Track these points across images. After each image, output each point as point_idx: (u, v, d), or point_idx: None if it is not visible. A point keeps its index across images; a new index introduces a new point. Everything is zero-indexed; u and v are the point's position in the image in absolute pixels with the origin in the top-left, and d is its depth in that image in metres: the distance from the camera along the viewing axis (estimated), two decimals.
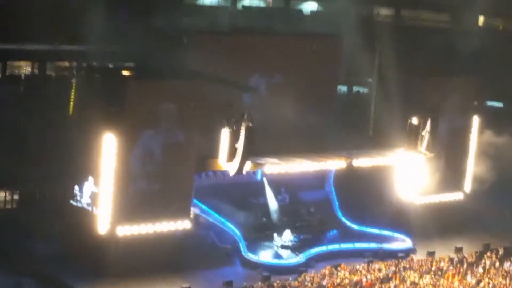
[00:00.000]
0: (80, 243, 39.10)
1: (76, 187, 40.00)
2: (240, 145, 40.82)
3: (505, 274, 42.38)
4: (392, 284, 40.09)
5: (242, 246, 42.80)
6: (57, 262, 39.09)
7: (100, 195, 39.03)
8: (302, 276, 40.34)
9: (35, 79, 44.72)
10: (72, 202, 40.11)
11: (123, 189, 39.16)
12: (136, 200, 39.50)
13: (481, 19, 62.20)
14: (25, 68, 45.44)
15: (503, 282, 41.23)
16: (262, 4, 54.83)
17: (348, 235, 45.90)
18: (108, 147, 38.80)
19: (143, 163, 39.59)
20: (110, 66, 45.00)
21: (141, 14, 43.68)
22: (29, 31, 42.03)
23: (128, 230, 39.34)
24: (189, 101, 40.00)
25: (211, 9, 49.78)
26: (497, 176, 48.73)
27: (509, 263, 43.73)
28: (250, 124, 41.34)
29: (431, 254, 44.68)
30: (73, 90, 40.64)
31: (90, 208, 39.55)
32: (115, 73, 42.23)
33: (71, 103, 40.83)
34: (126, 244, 39.04)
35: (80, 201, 39.87)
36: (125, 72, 42.13)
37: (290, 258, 42.90)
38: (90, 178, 39.46)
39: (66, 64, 46.17)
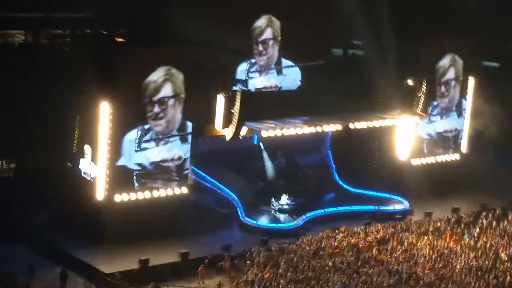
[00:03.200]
0: (77, 210, 39.21)
1: (74, 156, 40.08)
2: (235, 110, 40.79)
3: (502, 233, 42.63)
4: (389, 246, 40.32)
5: (240, 211, 42.96)
6: (54, 229, 39.25)
7: (97, 163, 39.04)
8: (300, 239, 40.51)
9: (29, 47, 44.46)
10: (69, 165, 40.16)
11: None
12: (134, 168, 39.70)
13: None
14: (18, 36, 45.19)
15: (501, 241, 41.48)
16: None
17: (345, 198, 46.03)
18: (104, 115, 38.72)
19: (139, 130, 39.58)
20: (104, 33, 44.77)
21: None
22: None
23: (126, 197, 39.46)
24: (183, 66, 39.85)
25: None
26: (493, 136, 48.80)
27: (506, 222, 43.99)
28: (245, 89, 41.25)
29: (428, 215, 44.87)
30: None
31: (87, 176, 39.60)
32: (108, 40, 41.98)
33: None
34: (124, 210, 39.14)
35: (77, 169, 39.90)
36: (119, 39, 41.90)
37: (287, 222, 43.07)
38: (87, 146, 39.46)
39: (60, 32, 45.94)
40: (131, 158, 39.49)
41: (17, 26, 44.64)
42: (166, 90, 39.65)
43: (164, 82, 39.53)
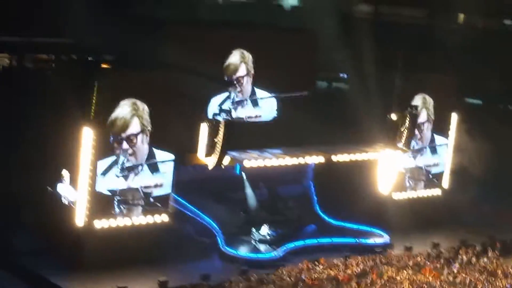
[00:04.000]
0: (56, 236, 38.91)
1: (55, 180, 39.90)
2: (219, 139, 40.80)
3: (481, 269, 42.65)
4: (369, 279, 40.24)
5: (220, 240, 42.81)
6: (32, 254, 38.86)
7: (78, 188, 38.88)
8: (280, 270, 40.38)
9: (13, 71, 44.47)
10: (49, 190, 39.88)
11: None
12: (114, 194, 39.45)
13: (461, 17, 62.56)
14: (2, 59, 45.18)
15: (480, 277, 41.48)
16: None
17: (326, 230, 45.94)
18: (86, 140, 38.61)
19: (121, 156, 39.45)
20: (89, 58, 44.88)
21: (121, 6, 43.59)
22: (6, 22, 41.87)
23: (106, 223, 39.26)
24: (169, 93, 39.87)
25: (190, 1, 49.75)
26: (475, 172, 49.06)
27: (485, 259, 44.03)
28: (229, 119, 41.32)
29: (408, 249, 44.89)
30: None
31: (66, 201, 39.40)
32: (94, 66, 42.05)
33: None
34: (104, 237, 38.92)
35: (57, 194, 39.73)
36: (104, 65, 41.98)
37: (267, 252, 42.95)
38: (67, 172, 39.31)
39: (45, 56, 46.00)
40: (111, 184, 39.29)
41: (1, 50, 44.65)
42: (134, 126, 39.23)
43: (132, 117, 39.13)
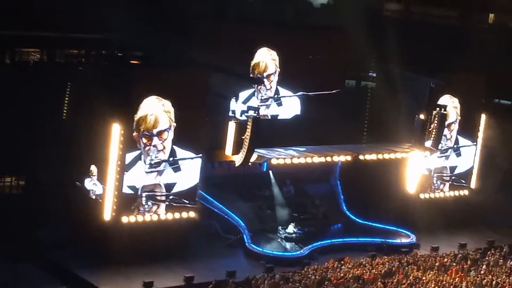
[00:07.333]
0: (84, 230, 39.18)
1: (82, 175, 40.14)
2: (246, 137, 40.83)
3: (508, 271, 42.36)
4: (395, 279, 40.13)
5: (246, 237, 42.85)
6: (60, 248, 39.16)
7: (105, 184, 39.09)
8: (305, 268, 40.36)
9: (43, 65, 44.80)
10: (77, 185, 40.13)
11: None
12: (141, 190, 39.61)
13: (491, 17, 62.15)
14: (34, 54, 45.54)
15: (507, 279, 41.19)
16: None
17: (352, 229, 45.86)
18: (114, 136, 38.79)
19: (149, 152, 39.64)
20: (119, 54, 45.09)
21: (151, 3, 43.78)
22: (38, 18, 42.15)
23: (133, 218, 39.46)
24: (196, 90, 39.96)
25: None
26: (503, 173, 48.79)
27: None
28: (257, 116, 41.36)
29: (435, 249, 44.70)
30: None
31: (94, 196, 39.64)
32: (123, 62, 42.26)
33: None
34: (131, 232, 39.13)
35: (85, 188, 39.97)
36: (133, 61, 42.15)
37: (293, 251, 42.93)
38: (95, 167, 39.54)
39: (75, 51, 46.33)
40: (139, 180, 39.48)
41: (33, 45, 45.02)
42: (164, 122, 39.35)
43: (162, 113, 39.19)
